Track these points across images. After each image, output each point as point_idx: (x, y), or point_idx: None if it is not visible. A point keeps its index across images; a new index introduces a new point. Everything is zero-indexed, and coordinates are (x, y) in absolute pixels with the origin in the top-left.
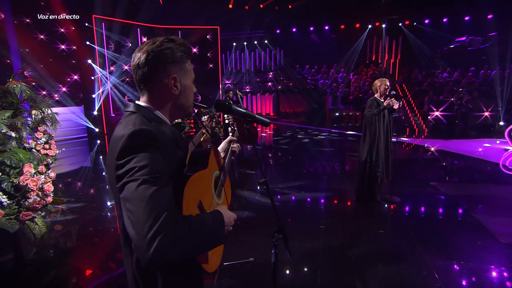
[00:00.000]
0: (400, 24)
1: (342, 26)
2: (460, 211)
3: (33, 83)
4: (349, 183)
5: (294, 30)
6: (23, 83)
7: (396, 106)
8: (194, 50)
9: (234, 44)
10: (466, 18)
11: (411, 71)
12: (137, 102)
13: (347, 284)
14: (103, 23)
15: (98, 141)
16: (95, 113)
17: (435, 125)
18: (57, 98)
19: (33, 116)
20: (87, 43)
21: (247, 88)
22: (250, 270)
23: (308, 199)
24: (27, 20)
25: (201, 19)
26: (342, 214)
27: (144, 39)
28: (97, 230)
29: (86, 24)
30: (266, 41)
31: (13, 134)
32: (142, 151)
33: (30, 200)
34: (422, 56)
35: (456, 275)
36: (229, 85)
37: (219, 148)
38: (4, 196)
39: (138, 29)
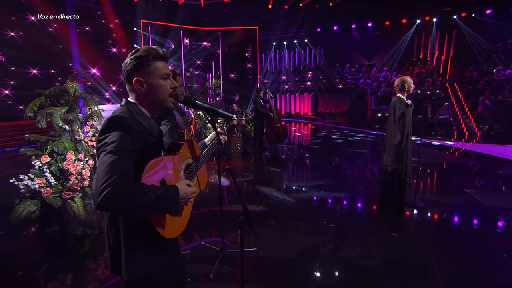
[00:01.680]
0: (454, 17)
1: (387, 22)
2: (495, 223)
3: (88, 83)
4: (372, 186)
5: (335, 28)
6: (77, 83)
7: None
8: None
9: (274, 43)
10: None
11: (464, 69)
12: (128, 98)
13: (342, 282)
14: (149, 27)
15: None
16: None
17: (491, 128)
18: (107, 96)
19: (87, 112)
20: (135, 46)
21: (286, 88)
22: (252, 259)
23: (326, 199)
24: (87, 28)
25: (241, 20)
26: (356, 215)
27: (186, 41)
28: None
29: (135, 29)
30: (306, 40)
31: (67, 127)
32: (114, 131)
33: (71, 182)
34: (479, 52)
35: (464, 286)
36: (266, 83)
37: (207, 138)
38: (52, 178)
39: (181, 31)
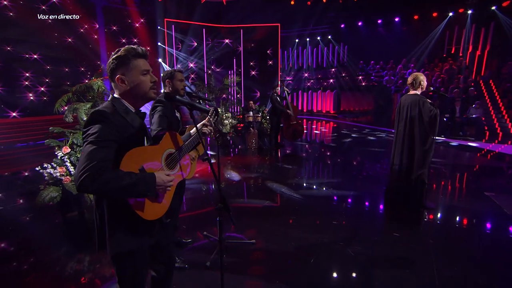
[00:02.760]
0: (493, 8)
1: (416, 17)
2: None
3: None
4: (382, 185)
5: (359, 24)
6: (101, 80)
7: None
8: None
9: (297, 40)
10: None
11: (502, 65)
12: (114, 94)
13: (334, 277)
14: (172, 26)
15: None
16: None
17: None
18: None
19: None
20: (159, 44)
21: (308, 85)
22: (249, 251)
23: (334, 197)
24: (114, 28)
25: (263, 17)
26: (361, 214)
27: (208, 38)
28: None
29: (159, 27)
30: (329, 37)
31: None
32: (95, 123)
33: None
34: None
35: None
36: (283, 80)
37: (192, 129)
38: (72, 167)
39: (203, 29)
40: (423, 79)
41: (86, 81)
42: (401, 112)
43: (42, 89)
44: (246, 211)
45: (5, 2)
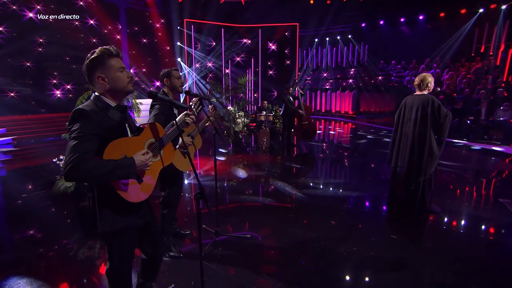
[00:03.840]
0: None
1: (442, 14)
2: None
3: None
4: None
5: (381, 22)
6: None
7: None
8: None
9: (316, 40)
10: None
11: None
12: (95, 93)
13: (323, 274)
14: (192, 26)
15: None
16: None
17: None
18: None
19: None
20: (178, 43)
21: (327, 85)
22: (244, 245)
23: (336, 197)
24: (136, 28)
25: (282, 16)
26: (362, 215)
27: (226, 38)
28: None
29: (178, 28)
30: (349, 36)
31: None
32: (76, 121)
33: None
34: None
35: None
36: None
37: (177, 118)
38: None
39: (222, 29)
40: (430, 81)
41: None
42: (407, 113)
43: (68, 87)
44: (246, 207)
45: (39, 7)
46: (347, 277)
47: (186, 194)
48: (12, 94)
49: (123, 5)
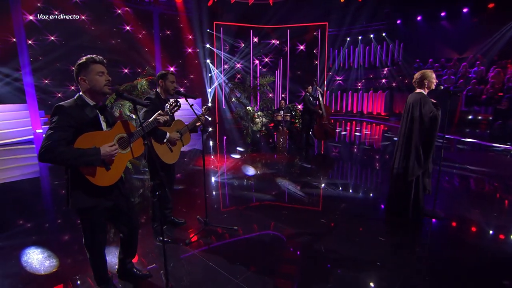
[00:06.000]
0: None
1: (491, 5)
2: None
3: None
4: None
5: (418, 18)
6: (145, 80)
7: None
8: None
9: (348, 39)
10: None
11: None
12: (79, 93)
13: (294, 269)
14: (221, 28)
15: (210, 128)
16: (209, 104)
17: None
18: (182, 91)
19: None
20: (207, 45)
21: (358, 85)
22: (230, 236)
23: (336, 197)
24: (168, 32)
25: (312, 15)
26: (356, 215)
27: (255, 39)
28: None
29: (208, 30)
30: (384, 34)
31: (134, 116)
32: (55, 115)
33: None
34: None
35: None
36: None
37: (151, 118)
38: None
39: (251, 30)
40: (429, 78)
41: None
42: (404, 112)
43: None
44: (245, 203)
45: (84, 17)
46: (316, 273)
47: (187, 187)
48: (59, 95)
49: (157, 10)
